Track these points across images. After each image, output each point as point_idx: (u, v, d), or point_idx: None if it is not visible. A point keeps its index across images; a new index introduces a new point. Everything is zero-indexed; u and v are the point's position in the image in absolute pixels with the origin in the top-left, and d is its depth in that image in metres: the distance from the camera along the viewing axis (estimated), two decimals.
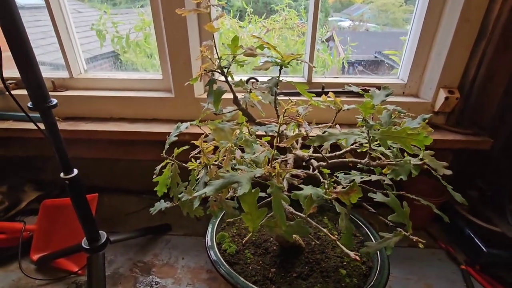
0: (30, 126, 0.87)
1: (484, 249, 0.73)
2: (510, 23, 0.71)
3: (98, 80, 0.95)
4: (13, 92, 0.93)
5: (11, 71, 0.99)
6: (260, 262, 0.66)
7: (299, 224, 0.34)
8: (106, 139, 0.89)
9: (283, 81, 0.55)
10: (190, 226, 0.90)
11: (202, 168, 0.43)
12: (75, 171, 0.60)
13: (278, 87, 0.51)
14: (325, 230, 0.36)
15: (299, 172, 0.39)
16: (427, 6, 0.79)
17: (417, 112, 0.87)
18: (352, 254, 0.32)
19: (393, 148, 0.45)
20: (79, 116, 0.93)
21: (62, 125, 0.88)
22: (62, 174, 0.59)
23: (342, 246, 0.34)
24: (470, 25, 0.75)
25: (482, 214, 0.79)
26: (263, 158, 0.35)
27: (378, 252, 0.67)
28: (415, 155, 0.45)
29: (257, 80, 0.88)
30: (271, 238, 0.71)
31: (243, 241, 0.41)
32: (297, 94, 0.84)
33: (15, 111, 0.92)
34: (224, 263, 0.63)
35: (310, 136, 0.37)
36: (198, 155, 0.44)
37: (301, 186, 0.37)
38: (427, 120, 0.47)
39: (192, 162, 0.45)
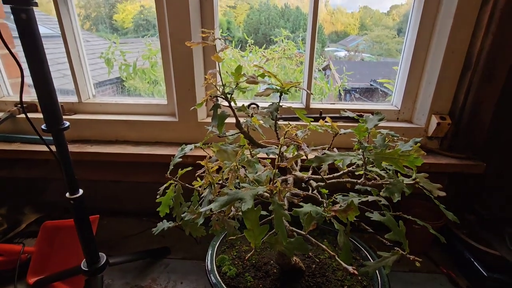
0: (37, 148, 0.90)
1: (485, 273, 0.72)
2: (492, 56, 0.77)
3: (106, 104, 0.99)
4: (21, 116, 0.97)
5: (24, 96, 1.03)
6: (261, 285, 0.65)
7: (299, 241, 0.36)
8: (109, 161, 0.92)
9: (283, 106, 0.59)
10: (189, 250, 0.89)
11: (206, 187, 0.45)
12: (81, 191, 0.61)
13: (278, 112, 0.54)
14: (324, 246, 0.37)
15: (298, 191, 0.41)
16: (416, 39, 0.86)
17: (412, 136, 0.91)
18: (350, 268, 0.33)
19: (389, 170, 0.47)
20: (85, 139, 0.96)
21: (68, 147, 0.91)
22: (68, 194, 0.60)
23: (341, 261, 0.35)
24: (456, 56, 0.81)
25: (482, 238, 0.79)
26: (265, 177, 0.37)
27: (378, 275, 0.67)
28: (409, 176, 0.47)
29: (257, 106, 0.92)
30: (272, 261, 0.71)
31: (246, 257, 0.41)
32: (296, 119, 0.88)
33: (23, 133, 0.95)
34: (224, 286, 0.63)
35: (309, 158, 0.40)
36: (203, 174, 0.46)
37: (301, 204, 0.39)
38: (419, 144, 0.50)
39: (198, 181, 0.47)
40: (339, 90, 1.79)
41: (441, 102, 0.87)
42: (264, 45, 1.88)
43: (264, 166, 0.40)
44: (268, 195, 0.37)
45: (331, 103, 1.01)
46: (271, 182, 0.37)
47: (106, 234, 0.95)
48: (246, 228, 0.36)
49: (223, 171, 0.41)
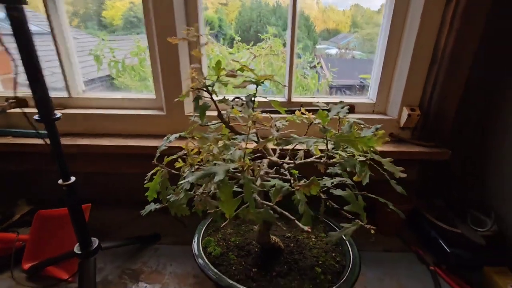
0: (28, 141, 0.93)
1: (448, 249, 0.80)
2: (456, 51, 0.83)
3: (95, 99, 1.03)
4: (12, 110, 0.99)
5: (11, 92, 1.06)
6: (243, 263, 0.71)
7: (266, 210, 0.41)
8: (100, 153, 0.96)
9: (264, 99, 0.64)
10: (179, 235, 0.94)
11: (187, 168, 0.50)
12: (73, 178, 0.66)
13: (255, 101, 0.59)
14: (286, 213, 0.43)
15: (271, 171, 0.47)
16: (388, 36, 0.92)
17: (386, 126, 0.98)
18: (306, 228, 0.39)
19: (350, 153, 0.53)
20: (76, 132, 1.00)
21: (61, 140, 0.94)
22: (60, 181, 0.64)
23: (300, 224, 0.40)
24: (424, 52, 0.88)
25: (447, 219, 0.87)
26: (238, 156, 0.43)
27: (351, 251, 0.73)
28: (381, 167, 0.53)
29: (241, 99, 0.97)
30: (253, 242, 0.76)
31: (221, 225, 0.46)
32: (279, 112, 0.93)
33: (14, 127, 0.98)
34: (210, 264, 0.68)
35: (277, 141, 0.45)
36: (184, 157, 0.51)
37: (269, 178, 0.44)
38: (383, 131, 0.56)
39: (179, 162, 0.52)
40: (329, 85, 1.86)
41: (412, 95, 0.93)
42: (252, 42, 1.93)
43: (239, 149, 0.45)
44: (240, 174, 0.42)
45: (311, 97, 1.07)
46: (242, 160, 0.42)
47: (98, 223, 0.99)
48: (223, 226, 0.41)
49: (202, 154, 0.46)
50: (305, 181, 0.44)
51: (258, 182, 0.46)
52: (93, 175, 1.05)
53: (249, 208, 0.40)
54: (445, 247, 0.81)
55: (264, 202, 0.45)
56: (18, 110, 1.00)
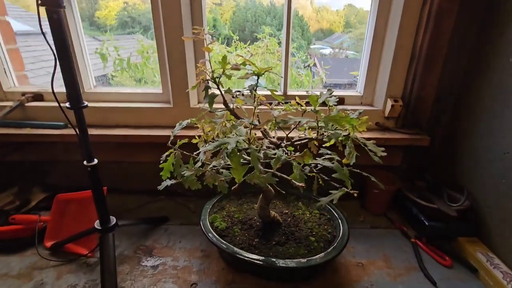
0: (46, 132, 1.02)
1: (426, 223, 0.91)
2: (431, 48, 0.94)
3: (106, 93, 1.11)
4: (30, 104, 1.07)
5: (28, 87, 1.14)
6: (246, 234, 0.81)
7: (269, 175, 0.51)
8: (113, 142, 1.04)
9: (263, 92, 0.74)
10: (186, 217, 1.03)
11: (202, 144, 0.59)
12: (96, 160, 0.74)
13: (257, 92, 0.69)
14: (285, 175, 0.52)
15: (271, 145, 0.56)
16: (373, 35, 1.03)
17: (372, 116, 1.08)
18: (300, 184, 0.49)
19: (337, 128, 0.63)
20: (89, 124, 1.07)
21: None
22: (85, 162, 0.73)
23: (295, 181, 0.50)
24: (404, 50, 0.98)
25: (427, 198, 0.97)
26: (244, 132, 0.52)
27: (341, 225, 0.84)
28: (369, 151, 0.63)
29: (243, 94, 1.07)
30: (255, 217, 0.86)
31: (232, 188, 0.56)
32: (278, 104, 1.03)
33: (31, 120, 1.06)
34: (216, 235, 0.78)
35: (277, 119, 0.55)
36: (199, 134, 0.60)
37: (270, 151, 0.54)
38: (366, 117, 0.65)
39: (196, 138, 0.61)
40: (323, 85, 1.97)
41: (394, 88, 1.04)
42: (249, 42, 2.02)
43: (245, 127, 0.55)
44: (247, 145, 0.51)
45: (305, 90, 1.17)
46: (249, 134, 0.52)
47: (110, 207, 1.07)
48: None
49: (215, 132, 0.56)
50: (299, 153, 0.53)
51: (262, 154, 0.56)
52: (105, 164, 1.13)
53: (255, 173, 0.49)
54: (424, 221, 0.91)
55: (267, 170, 0.54)
56: (34, 103, 1.08)
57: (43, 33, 0.57)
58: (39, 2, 0.55)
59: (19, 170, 1.15)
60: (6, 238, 0.89)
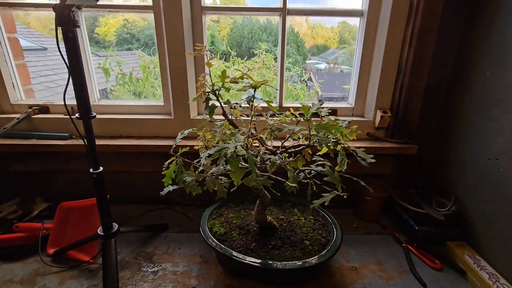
0: (50, 142, 1.06)
1: (416, 227, 0.95)
2: (415, 63, 1.01)
3: (110, 106, 1.16)
4: (36, 116, 1.12)
5: (34, 100, 1.19)
6: (244, 239, 0.84)
7: (265, 178, 0.55)
8: (115, 153, 1.08)
9: (260, 103, 0.79)
10: (184, 226, 1.06)
11: (203, 150, 0.64)
12: (101, 168, 0.78)
13: (253, 102, 0.74)
14: (279, 178, 0.57)
15: (268, 151, 0.61)
16: (362, 51, 1.10)
17: (363, 127, 1.14)
18: (293, 185, 0.53)
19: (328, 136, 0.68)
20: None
21: (80, 141, 1.07)
22: (91, 170, 0.77)
23: (289, 183, 0.54)
24: (391, 64, 1.06)
25: (417, 204, 1.02)
26: (242, 139, 0.57)
27: (334, 230, 0.87)
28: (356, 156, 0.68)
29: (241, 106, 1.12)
30: (252, 223, 0.89)
31: (231, 190, 0.60)
32: (273, 115, 1.09)
33: (37, 131, 1.10)
34: (215, 239, 0.81)
35: (272, 127, 0.60)
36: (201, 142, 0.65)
37: (266, 156, 0.59)
38: (356, 126, 0.71)
39: (198, 145, 0.66)
40: (318, 99, 2.06)
41: (383, 100, 1.11)
42: (246, 57, 2.11)
43: (243, 135, 0.60)
44: (245, 151, 0.56)
45: (300, 103, 1.23)
46: (247, 140, 0.56)
47: (112, 216, 1.10)
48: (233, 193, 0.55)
49: (215, 140, 0.60)
50: (293, 158, 0.58)
51: (258, 159, 0.61)
52: (107, 174, 1.17)
53: (252, 176, 0.54)
54: (414, 225, 0.95)
55: (263, 173, 0.59)
56: (40, 116, 1.12)
57: (60, 51, 0.62)
58: (57, 22, 0.60)
59: (22, 179, 1.18)
60: (10, 245, 0.91)
